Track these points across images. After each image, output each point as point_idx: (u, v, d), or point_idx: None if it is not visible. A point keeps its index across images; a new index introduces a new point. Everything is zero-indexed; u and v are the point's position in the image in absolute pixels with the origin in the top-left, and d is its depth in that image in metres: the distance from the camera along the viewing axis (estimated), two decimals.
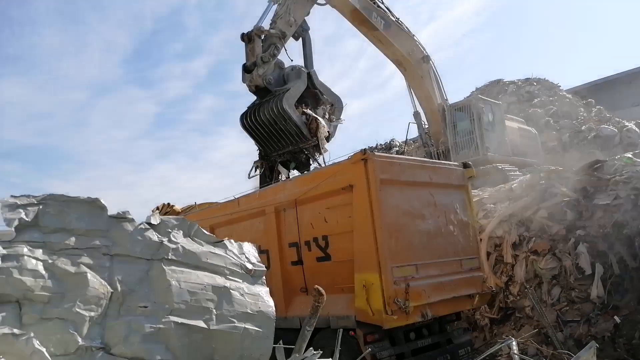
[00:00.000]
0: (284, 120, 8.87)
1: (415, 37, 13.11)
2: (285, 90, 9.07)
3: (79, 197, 3.08)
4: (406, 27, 12.92)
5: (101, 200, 3.12)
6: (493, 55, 68.02)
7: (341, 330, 5.04)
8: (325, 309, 5.97)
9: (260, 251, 7.17)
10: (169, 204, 11.36)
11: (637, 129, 15.86)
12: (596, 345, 4.96)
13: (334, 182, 6.16)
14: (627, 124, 16.80)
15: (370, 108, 63.94)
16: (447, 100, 13.88)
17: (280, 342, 4.66)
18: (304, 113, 9.15)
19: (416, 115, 14.02)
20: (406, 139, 16.29)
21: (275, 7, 10.08)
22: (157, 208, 11.19)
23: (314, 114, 9.20)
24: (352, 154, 6.14)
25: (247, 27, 10.33)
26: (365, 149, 6.02)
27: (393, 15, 12.63)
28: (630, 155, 9.34)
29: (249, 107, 9.66)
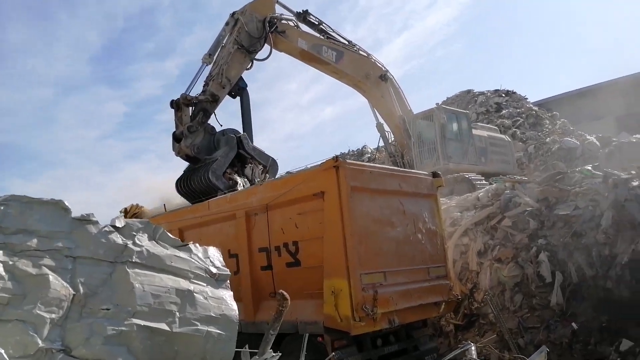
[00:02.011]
0: (212, 192, 8.99)
1: (371, 57, 13.13)
2: (213, 161, 9.20)
3: (42, 199, 3.04)
4: (361, 48, 12.94)
5: (65, 202, 3.09)
6: (464, 65, 69.83)
7: (307, 335, 5.07)
8: (294, 315, 6.04)
9: (230, 255, 7.18)
10: (137, 204, 11.19)
11: (597, 142, 16.54)
12: (547, 349, 5.16)
13: (306, 188, 6.20)
14: (588, 137, 17.51)
15: (343, 114, 64.51)
16: (410, 110, 14.11)
17: (246, 346, 4.68)
18: (230, 179, 9.30)
19: (379, 127, 14.19)
20: (378, 147, 16.54)
21: (208, 67, 10.11)
22: (126, 210, 11.00)
23: (237, 178, 9.33)
24: (323, 161, 6.22)
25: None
26: (336, 156, 6.10)
27: (345, 39, 12.66)
28: (589, 168, 9.76)
29: (184, 172, 9.82)
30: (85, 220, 3.11)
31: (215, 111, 9.91)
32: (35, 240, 2.87)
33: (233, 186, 9.15)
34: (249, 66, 10.48)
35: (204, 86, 9.92)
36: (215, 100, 9.77)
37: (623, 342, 6.63)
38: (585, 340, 7.09)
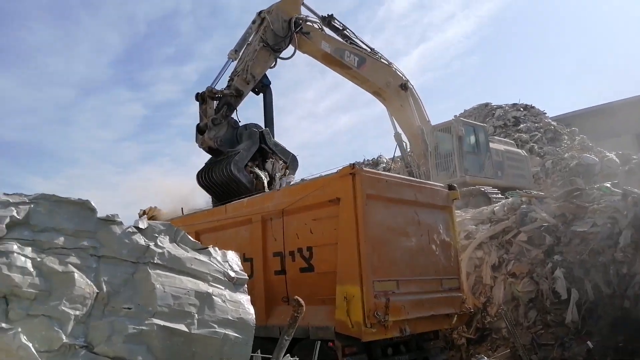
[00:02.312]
0: (233, 184, 9.04)
1: (393, 65, 13.14)
2: (236, 153, 9.25)
3: (70, 198, 3.14)
4: (382, 56, 12.95)
5: (91, 202, 3.18)
6: (482, 78, 69.33)
7: (319, 342, 5.10)
8: (306, 320, 6.05)
9: (245, 259, 7.25)
10: (155, 207, 11.35)
11: (617, 160, 16.29)
12: None
13: (322, 194, 6.25)
14: (607, 154, 17.25)
15: (359, 123, 64.42)
16: (429, 122, 14.07)
17: (258, 351, 4.72)
18: (251, 172, 9.34)
19: (397, 136, 14.15)
20: (394, 157, 16.49)
21: (234, 63, 10.20)
22: (144, 211, 11.17)
23: (258, 172, 9.37)
24: (340, 168, 6.27)
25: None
26: (353, 164, 6.16)
27: (368, 46, 12.70)
28: (608, 185, 9.64)
29: (205, 164, 9.86)
30: (110, 220, 3.21)
31: (238, 106, 9.99)
32: (62, 239, 2.97)
33: (254, 179, 9.20)
34: (273, 64, 10.58)
35: (228, 81, 10.02)
36: (239, 95, 9.87)
37: None
38: None
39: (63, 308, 2.73)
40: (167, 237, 3.39)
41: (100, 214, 3.22)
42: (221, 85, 10.01)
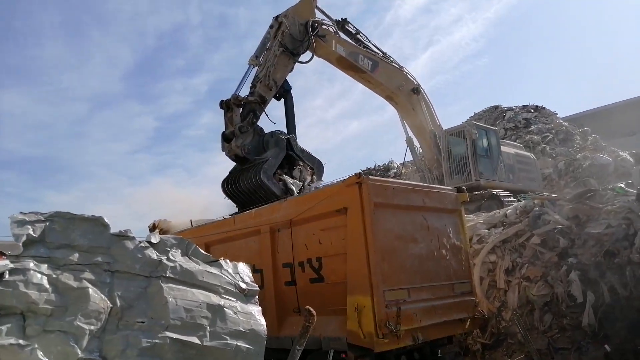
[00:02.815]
0: (262, 191, 8.93)
1: (404, 69, 13.21)
2: (264, 161, 9.16)
3: (84, 215, 3.23)
4: (394, 60, 13.03)
5: (104, 219, 3.28)
6: (491, 81, 69.08)
7: (332, 351, 5.11)
8: (317, 331, 6.06)
9: (254, 270, 7.29)
10: (165, 219, 11.43)
11: (631, 159, 16.08)
12: None
13: (329, 204, 6.26)
14: (621, 153, 17.05)
15: (369, 129, 64.48)
16: (440, 126, 14.06)
17: None
18: (280, 180, 9.24)
19: (409, 141, 14.17)
20: (404, 161, 16.50)
21: (255, 69, 10.19)
22: (154, 224, 11.27)
23: (287, 179, 9.27)
24: (347, 177, 6.30)
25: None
26: (359, 173, 6.17)
27: (380, 50, 12.78)
28: (622, 185, 9.52)
29: (230, 172, 9.78)
30: (123, 236, 3.29)
31: (262, 113, 9.97)
32: (77, 255, 3.06)
33: (283, 187, 9.11)
34: (291, 69, 10.58)
35: (251, 88, 10.02)
36: (263, 102, 9.87)
37: None
38: None
39: (78, 323, 2.81)
40: (179, 250, 3.46)
41: (114, 228, 3.31)
42: (244, 92, 10.02)
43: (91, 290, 2.93)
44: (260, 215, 7.41)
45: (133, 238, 3.33)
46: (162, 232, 10.81)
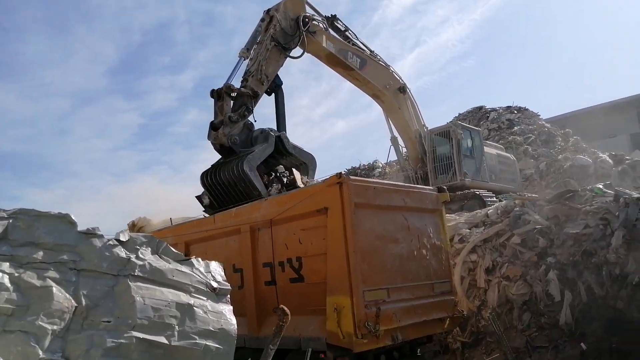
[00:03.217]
0: (242, 184, 8.44)
1: (391, 68, 13.27)
2: (250, 152, 8.78)
3: (50, 212, 3.15)
4: (381, 59, 13.07)
5: (71, 216, 3.19)
6: (476, 82, 69.79)
7: (310, 350, 5.08)
8: (297, 331, 6.04)
9: (235, 270, 7.23)
10: (145, 217, 11.31)
11: (610, 161, 16.38)
12: None
13: (310, 204, 6.23)
14: (601, 155, 17.36)
15: (355, 128, 64.66)
16: (425, 126, 14.14)
17: None
18: (265, 174, 8.87)
19: (394, 140, 14.21)
20: (387, 161, 16.60)
21: (246, 62, 10.02)
22: (133, 222, 11.13)
23: (271, 179, 8.91)
24: (327, 177, 6.28)
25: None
26: (340, 173, 6.14)
27: (368, 48, 12.79)
28: (601, 187, 9.67)
29: (212, 165, 9.38)
30: (91, 234, 3.21)
31: (254, 108, 9.70)
32: (41, 253, 2.97)
33: (271, 186, 8.66)
34: (282, 64, 10.43)
35: (242, 82, 9.83)
36: (255, 96, 9.67)
37: None
38: None
39: (40, 323, 2.73)
40: (149, 249, 3.39)
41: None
42: (235, 85, 9.70)
43: (55, 289, 2.86)
44: (240, 214, 7.35)
45: (101, 236, 3.25)
46: (141, 230, 10.68)
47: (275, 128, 9.79)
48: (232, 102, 9.42)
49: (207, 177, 9.09)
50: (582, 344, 7.09)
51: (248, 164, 8.48)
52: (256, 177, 8.55)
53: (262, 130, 9.41)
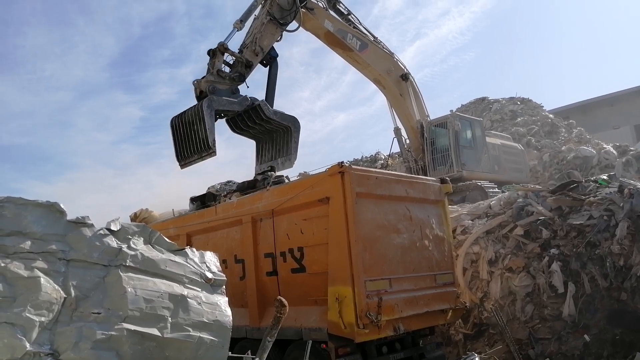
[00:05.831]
0: (197, 122, 8.47)
1: (394, 56, 13.08)
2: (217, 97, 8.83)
3: (37, 201, 3.04)
4: (385, 46, 12.89)
5: (60, 205, 3.08)
6: (478, 73, 69.22)
7: (310, 341, 5.01)
8: (298, 321, 5.99)
9: (236, 260, 7.16)
10: (147, 209, 11.24)
11: (614, 152, 16.18)
12: None
13: (311, 194, 6.15)
14: (605, 146, 17.15)
15: (356, 121, 64.28)
16: (428, 116, 13.96)
17: (249, 352, 4.63)
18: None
19: (397, 131, 14.05)
20: (390, 153, 16.40)
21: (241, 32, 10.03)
22: (135, 214, 11.06)
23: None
24: (329, 166, 6.17)
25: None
26: (342, 162, 6.04)
27: (372, 34, 12.63)
28: (605, 177, 9.53)
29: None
30: (80, 223, 3.10)
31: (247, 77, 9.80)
32: (28, 243, 2.87)
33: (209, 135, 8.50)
34: (279, 38, 10.46)
35: (238, 52, 9.89)
36: (249, 66, 9.78)
37: (637, 355, 6.42)
38: (597, 353, 6.88)
39: (27, 314, 2.63)
40: (142, 238, 3.28)
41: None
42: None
43: (43, 279, 2.75)
44: (242, 204, 7.27)
45: (91, 225, 3.14)
46: (144, 222, 10.62)
47: (257, 98, 9.78)
48: (224, 65, 9.49)
49: (176, 119, 9.14)
50: (585, 336, 7.03)
51: (208, 102, 8.58)
52: (211, 117, 8.57)
53: (245, 96, 9.49)
